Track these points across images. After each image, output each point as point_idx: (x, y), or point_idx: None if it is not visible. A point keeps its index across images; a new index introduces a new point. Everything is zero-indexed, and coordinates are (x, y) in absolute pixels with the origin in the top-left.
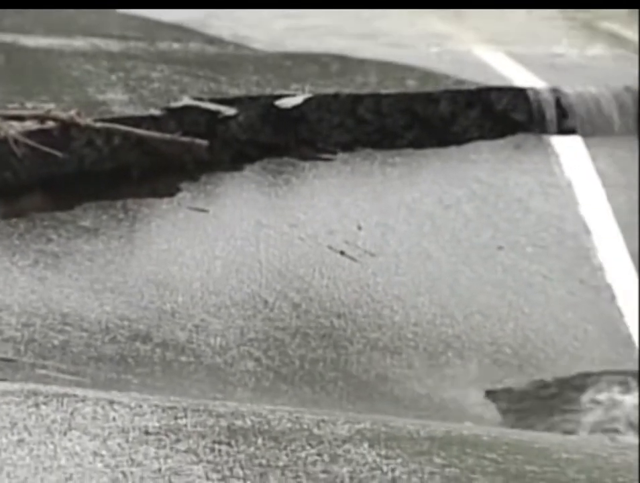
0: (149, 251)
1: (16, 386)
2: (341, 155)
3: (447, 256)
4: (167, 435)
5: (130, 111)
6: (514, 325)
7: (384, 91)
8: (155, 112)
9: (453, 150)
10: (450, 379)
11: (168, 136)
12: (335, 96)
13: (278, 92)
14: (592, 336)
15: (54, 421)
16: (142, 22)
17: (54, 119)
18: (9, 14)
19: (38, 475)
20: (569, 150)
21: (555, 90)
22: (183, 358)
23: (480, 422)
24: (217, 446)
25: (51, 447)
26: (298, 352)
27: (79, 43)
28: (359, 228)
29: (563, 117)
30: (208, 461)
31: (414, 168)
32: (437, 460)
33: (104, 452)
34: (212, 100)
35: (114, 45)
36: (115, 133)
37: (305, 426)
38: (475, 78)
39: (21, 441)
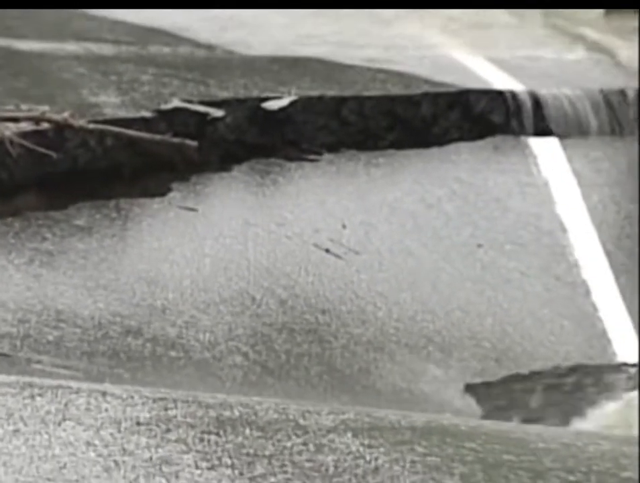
0: (141, 249)
1: (12, 379)
2: (326, 156)
3: (428, 254)
4: (158, 426)
5: (122, 113)
6: (492, 320)
7: (366, 94)
8: (146, 114)
9: (434, 151)
10: (431, 373)
11: (158, 137)
12: (320, 98)
13: (264, 94)
14: (568, 331)
15: (48, 412)
16: (133, 27)
17: (49, 120)
18: (1, 19)
19: (33, 464)
20: (546, 151)
21: (532, 93)
22: (173, 353)
23: (460, 413)
24: (205, 436)
25: (45, 437)
26: (284, 347)
27: (72, 47)
28: (344, 226)
29: (540, 119)
30: (197, 451)
31: (397, 169)
32: (418, 449)
33: (97, 442)
34: (202, 103)
35: (106, 50)
36: (107, 134)
37: (291, 417)
38: (455, 81)
39: (16, 431)
